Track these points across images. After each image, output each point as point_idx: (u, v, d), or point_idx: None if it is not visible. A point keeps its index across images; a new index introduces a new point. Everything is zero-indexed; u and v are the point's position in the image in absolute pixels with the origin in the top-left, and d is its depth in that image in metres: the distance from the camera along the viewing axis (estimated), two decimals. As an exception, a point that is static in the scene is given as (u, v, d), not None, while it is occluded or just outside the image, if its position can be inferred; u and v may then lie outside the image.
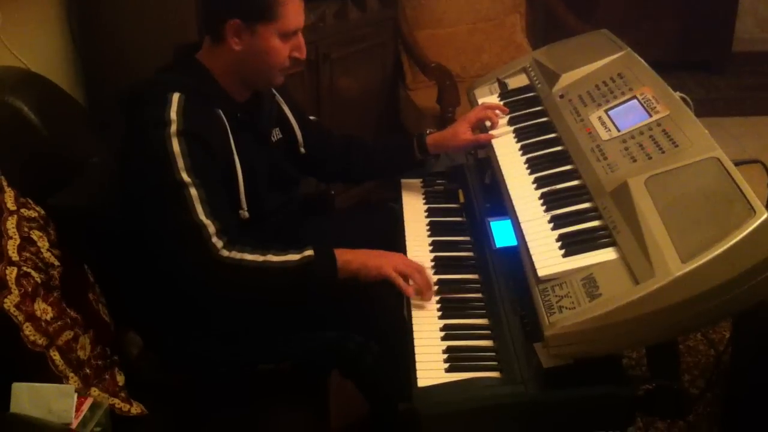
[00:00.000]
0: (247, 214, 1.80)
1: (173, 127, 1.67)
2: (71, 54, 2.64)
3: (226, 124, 1.77)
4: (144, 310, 1.86)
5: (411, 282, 1.76)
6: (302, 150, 2.05)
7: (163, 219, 1.68)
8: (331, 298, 1.79)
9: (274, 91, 1.99)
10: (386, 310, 1.84)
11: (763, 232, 1.34)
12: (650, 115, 1.77)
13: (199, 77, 1.79)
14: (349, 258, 1.76)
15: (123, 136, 1.78)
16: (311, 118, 2.15)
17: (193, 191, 1.66)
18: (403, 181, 2.23)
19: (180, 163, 1.66)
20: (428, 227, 2.03)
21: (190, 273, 1.69)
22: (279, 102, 2.01)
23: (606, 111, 1.88)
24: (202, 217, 1.66)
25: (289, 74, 1.93)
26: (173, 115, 1.68)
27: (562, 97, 2.05)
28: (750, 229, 1.34)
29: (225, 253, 1.66)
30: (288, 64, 1.83)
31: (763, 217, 1.34)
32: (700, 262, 1.33)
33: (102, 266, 1.84)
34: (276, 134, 1.98)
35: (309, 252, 1.73)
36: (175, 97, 1.70)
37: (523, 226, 1.70)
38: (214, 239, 1.66)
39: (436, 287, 1.78)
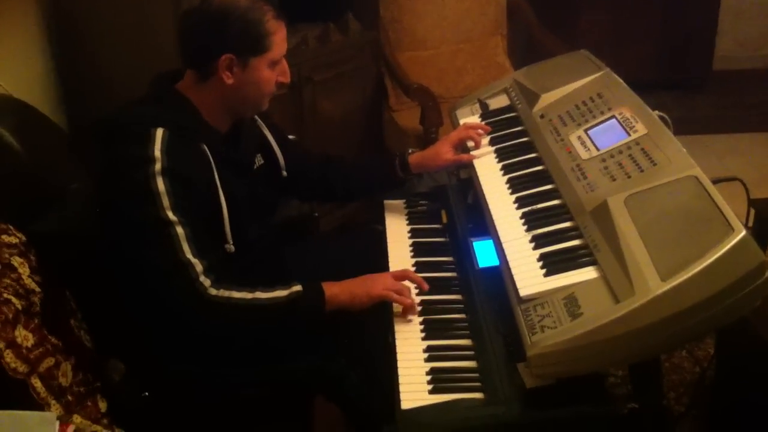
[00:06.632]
0: (233, 248, 1.78)
1: (157, 166, 1.64)
2: (53, 79, 2.63)
3: (210, 158, 1.74)
4: (125, 335, 1.84)
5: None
6: (284, 173, 2.03)
7: (148, 257, 1.65)
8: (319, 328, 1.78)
9: (255, 116, 1.98)
10: (370, 334, 1.84)
11: (741, 249, 1.35)
12: (629, 134, 1.78)
13: (181, 110, 1.75)
14: (336, 291, 1.75)
15: (101, 168, 1.75)
16: (290, 137, 2.15)
17: (180, 230, 1.64)
18: (386, 202, 2.23)
19: (165, 201, 1.63)
20: (411, 248, 2.03)
21: (178, 311, 1.66)
22: (260, 127, 1.99)
23: (585, 130, 1.90)
24: (189, 255, 1.64)
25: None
26: (157, 152, 1.65)
27: (542, 117, 2.06)
28: (728, 246, 1.35)
29: (213, 291, 1.65)
30: (275, 90, 1.82)
31: (741, 235, 1.36)
32: (680, 280, 1.34)
33: (84, 291, 1.83)
34: (258, 160, 1.97)
35: (297, 288, 1.72)
36: (159, 132, 1.67)
37: (504, 246, 1.70)
38: (202, 278, 1.64)
39: (419, 308, 1.78)
